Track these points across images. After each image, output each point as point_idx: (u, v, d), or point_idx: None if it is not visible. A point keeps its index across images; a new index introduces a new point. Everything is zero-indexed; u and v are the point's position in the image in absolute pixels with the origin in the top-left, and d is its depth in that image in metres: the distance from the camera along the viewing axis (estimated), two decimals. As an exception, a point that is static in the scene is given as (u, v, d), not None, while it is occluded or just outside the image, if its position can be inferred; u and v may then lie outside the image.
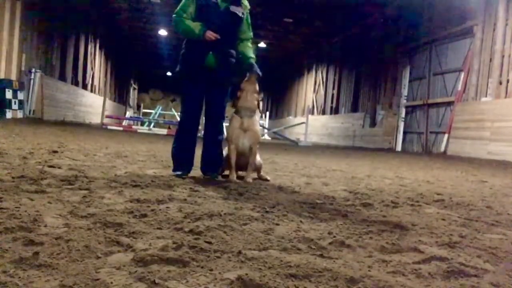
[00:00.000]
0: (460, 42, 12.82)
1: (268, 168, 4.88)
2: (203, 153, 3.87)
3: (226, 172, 3.89)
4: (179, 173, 3.68)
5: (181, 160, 3.77)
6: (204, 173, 3.87)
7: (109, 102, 24.19)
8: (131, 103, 35.10)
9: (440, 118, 13.35)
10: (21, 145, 5.05)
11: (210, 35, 3.56)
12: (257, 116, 3.86)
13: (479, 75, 11.38)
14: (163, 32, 23.53)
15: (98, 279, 1.26)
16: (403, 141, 15.13)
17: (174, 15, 3.70)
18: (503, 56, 10.57)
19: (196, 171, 3.90)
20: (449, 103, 12.76)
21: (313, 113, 23.92)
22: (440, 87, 13.59)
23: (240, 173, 3.90)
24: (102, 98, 20.79)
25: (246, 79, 3.75)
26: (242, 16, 3.73)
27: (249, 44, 3.85)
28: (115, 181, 3.08)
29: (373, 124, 17.64)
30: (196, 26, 3.60)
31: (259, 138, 3.88)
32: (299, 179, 4.31)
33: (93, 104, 21.76)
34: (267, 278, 1.36)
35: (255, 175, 3.97)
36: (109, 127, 17.07)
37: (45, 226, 1.79)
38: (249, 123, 3.72)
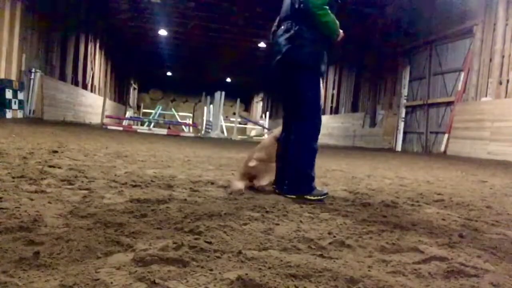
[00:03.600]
0: (460, 42, 12.83)
1: (268, 168, 4.87)
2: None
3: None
4: (325, 192, 3.06)
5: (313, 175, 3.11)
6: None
7: (109, 102, 24.20)
8: (131, 103, 35.11)
9: (440, 118, 13.36)
10: (21, 145, 5.05)
11: (343, 34, 3.27)
12: None
13: (479, 75, 11.39)
14: (163, 32, 23.53)
15: (98, 279, 1.26)
16: (403, 141, 15.14)
17: (321, 4, 3.03)
18: (503, 56, 10.58)
19: (195, 171, 3.90)
20: (449, 103, 12.77)
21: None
22: (440, 87, 13.60)
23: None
24: (102, 98, 20.82)
25: None
26: None
27: None
28: (115, 181, 3.08)
29: (373, 124, 17.64)
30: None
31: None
32: (299, 179, 4.29)
33: (93, 104, 21.77)
34: (267, 278, 1.35)
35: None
36: (109, 127, 17.09)
37: (45, 226, 1.79)
38: None
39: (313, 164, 3.13)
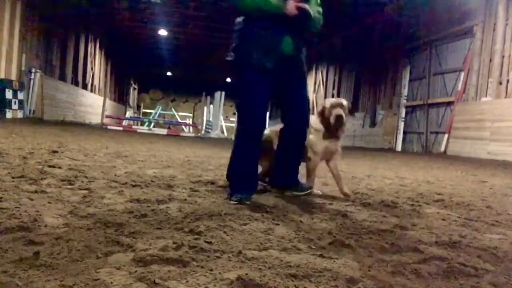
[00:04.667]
0: (460, 42, 12.82)
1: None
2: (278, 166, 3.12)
3: None
4: (240, 196, 2.63)
5: (243, 178, 2.79)
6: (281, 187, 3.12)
7: (109, 102, 24.19)
8: (131, 103, 35.11)
9: (440, 118, 13.36)
10: (21, 145, 5.05)
11: (295, 7, 2.70)
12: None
13: (479, 75, 11.38)
14: (163, 32, 23.52)
15: (98, 279, 1.26)
16: (403, 141, 15.14)
17: None
18: (503, 56, 10.57)
19: (195, 171, 3.90)
20: (449, 103, 12.77)
21: (313, 113, 23.89)
22: (440, 87, 13.60)
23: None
24: (102, 98, 20.82)
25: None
26: None
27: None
28: (115, 181, 3.08)
29: (373, 124, 17.63)
30: None
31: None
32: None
33: (93, 104, 21.76)
34: (267, 278, 1.35)
35: None
36: (109, 127, 17.10)
37: (45, 226, 1.79)
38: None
39: (240, 163, 2.86)
